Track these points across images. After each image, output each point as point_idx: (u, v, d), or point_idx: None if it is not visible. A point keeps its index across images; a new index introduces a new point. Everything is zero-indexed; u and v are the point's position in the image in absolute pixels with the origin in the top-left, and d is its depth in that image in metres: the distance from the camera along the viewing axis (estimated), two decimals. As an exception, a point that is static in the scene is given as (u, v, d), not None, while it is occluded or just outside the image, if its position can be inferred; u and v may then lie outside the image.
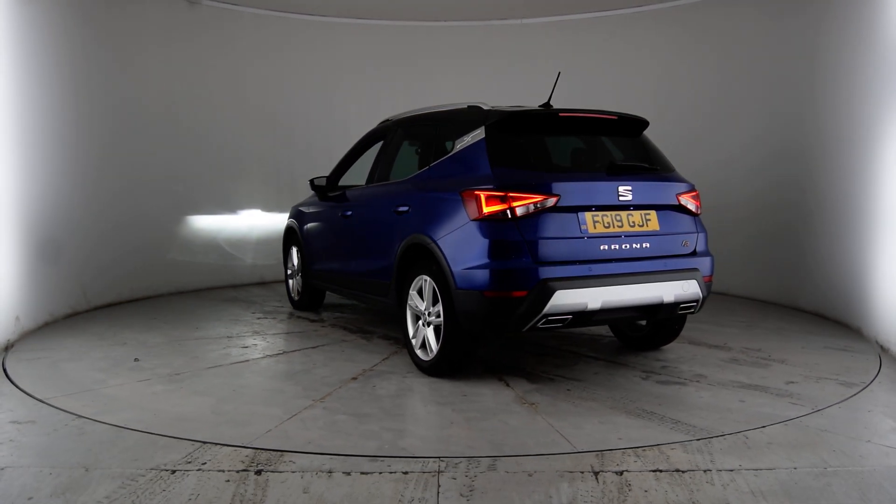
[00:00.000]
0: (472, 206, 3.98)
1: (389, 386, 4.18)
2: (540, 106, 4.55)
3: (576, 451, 3.12)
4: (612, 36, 8.49)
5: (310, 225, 6.34)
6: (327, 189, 5.99)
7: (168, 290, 7.53)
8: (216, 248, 8.14)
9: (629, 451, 3.11)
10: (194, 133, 7.85)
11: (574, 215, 3.99)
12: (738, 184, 7.48)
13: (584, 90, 8.68)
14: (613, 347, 5.12)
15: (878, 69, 5.27)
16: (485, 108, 4.45)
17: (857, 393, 4.00)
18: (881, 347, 5.02)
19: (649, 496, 2.68)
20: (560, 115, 4.31)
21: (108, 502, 2.61)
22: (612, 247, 4.06)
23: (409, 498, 2.66)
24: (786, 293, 6.83)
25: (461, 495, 2.68)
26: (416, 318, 4.49)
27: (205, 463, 2.97)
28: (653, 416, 3.59)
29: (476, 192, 3.96)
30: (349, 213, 5.50)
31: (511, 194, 3.89)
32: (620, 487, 2.75)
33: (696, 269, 4.28)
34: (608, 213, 4.08)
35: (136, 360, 4.78)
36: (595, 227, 4.02)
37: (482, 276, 3.89)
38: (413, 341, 4.51)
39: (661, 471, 2.90)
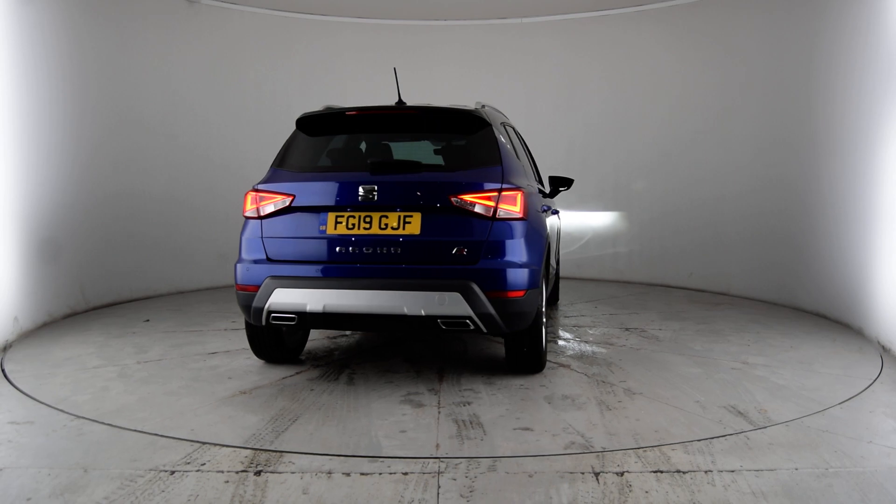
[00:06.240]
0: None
1: (222, 363, 4.64)
2: (396, 103, 4.54)
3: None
4: (612, 35, 8.49)
5: None
6: None
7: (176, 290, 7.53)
8: None
9: (630, 451, 3.10)
10: (195, 132, 7.84)
11: (317, 215, 3.96)
12: (738, 183, 7.48)
13: (584, 90, 8.69)
14: (501, 371, 4.45)
15: (878, 68, 5.26)
16: (321, 108, 4.53)
17: (859, 393, 3.99)
18: (883, 348, 5.01)
19: (650, 497, 2.67)
20: (347, 113, 4.29)
21: (107, 503, 2.60)
22: (352, 249, 3.87)
23: (409, 499, 2.65)
24: (786, 293, 6.82)
25: (461, 496, 2.67)
26: None
27: (204, 464, 2.96)
28: (259, 426, 3.40)
29: (247, 192, 4.20)
30: None
31: (261, 193, 4.11)
32: (621, 488, 2.74)
33: (466, 281, 3.70)
34: (355, 213, 3.89)
35: (146, 320, 5.70)
36: (336, 228, 3.90)
37: (236, 269, 4.12)
38: None
39: (661, 471, 2.89)
